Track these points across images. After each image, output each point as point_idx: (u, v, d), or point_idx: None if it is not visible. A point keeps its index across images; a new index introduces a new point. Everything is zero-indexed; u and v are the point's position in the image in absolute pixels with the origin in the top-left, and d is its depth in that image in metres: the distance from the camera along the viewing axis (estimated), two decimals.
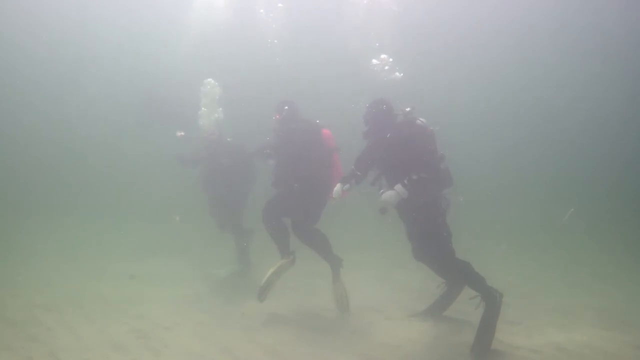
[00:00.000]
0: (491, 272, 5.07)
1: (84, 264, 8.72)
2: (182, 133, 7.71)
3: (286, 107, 6.19)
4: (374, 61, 7.30)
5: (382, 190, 5.00)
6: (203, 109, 7.87)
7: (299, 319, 5.94)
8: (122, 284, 7.55)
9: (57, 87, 16.01)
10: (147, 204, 13.14)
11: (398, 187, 4.81)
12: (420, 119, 5.14)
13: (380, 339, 5.14)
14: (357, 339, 5.16)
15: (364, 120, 5.31)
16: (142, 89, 13.87)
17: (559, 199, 12.86)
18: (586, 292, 7.13)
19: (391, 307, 6.25)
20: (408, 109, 5.14)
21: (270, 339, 5.17)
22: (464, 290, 5.44)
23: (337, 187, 5.09)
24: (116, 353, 4.75)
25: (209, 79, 8.00)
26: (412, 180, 4.78)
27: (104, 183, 14.65)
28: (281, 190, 6.10)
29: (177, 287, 7.33)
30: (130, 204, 13.30)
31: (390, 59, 7.62)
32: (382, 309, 6.16)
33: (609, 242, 10.11)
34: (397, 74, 7.55)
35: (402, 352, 4.77)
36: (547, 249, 10.09)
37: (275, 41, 11.47)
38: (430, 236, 4.97)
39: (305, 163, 5.83)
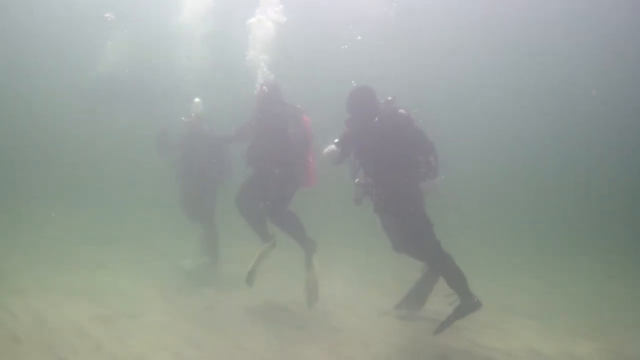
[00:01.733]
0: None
1: (48, 250, 8.52)
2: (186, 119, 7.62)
3: (265, 88, 6.13)
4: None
5: (357, 180, 4.95)
6: (196, 99, 7.82)
7: (267, 312, 5.95)
8: (88, 271, 7.44)
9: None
10: (112, 189, 12.94)
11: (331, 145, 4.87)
12: (402, 109, 4.93)
13: (350, 335, 5.20)
14: (326, 334, 5.19)
15: (347, 107, 5.07)
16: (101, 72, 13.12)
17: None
18: (562, 297, 7.28)
19: (361, 303, 6.30)
20: (390, 98, 5.05)
21: (237, 332, 5.18)
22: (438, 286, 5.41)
23: (329, 148, 4.96)
24: (79, 338, 4.72)
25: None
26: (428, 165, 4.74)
27: (68, 170, 14.25)
28: (256, 172, 6.07)
29: (142, 277, 7.24)
30: (95, 190, 13.05)
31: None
32: (352, 305, 6.22)
33: (588, 250, 10.26)
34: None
35: (371, 350, 4.82)
36: (525, 252, 10.21)
37: None
38: (412, 226, 4.86)
39: (283, 146, 5.79)
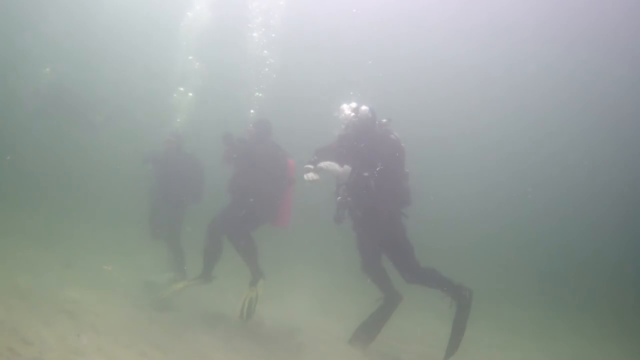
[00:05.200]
0: None
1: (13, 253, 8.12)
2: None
3: (251, 126, 6.43)
4: None
5: (339, 198, 5.00)
6: (178, 120, 8.06)
7: (228, 327, 6.00)
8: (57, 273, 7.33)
9: None
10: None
11: (346, 167, 4.89)
12: (395, 133, 5.13)
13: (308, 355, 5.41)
14: (284, 354, 5.38)
15: (344, 123, 5.19)
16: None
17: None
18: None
19: (322, 329, 6.51)
20: (385, 120, 5.16)
21: (201, 341, 5.31)
22: (423, 291, 5.42)
23: (307, 171, 4.91)
24: (47, 329, 4.75)
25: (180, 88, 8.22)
26: (370, 175, 4.80)
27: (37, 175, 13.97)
28: (234, 199, 6.28)
29: (111, 289, 7.07)
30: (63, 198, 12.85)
31: None
32: (311, 328, 6.43)
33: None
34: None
35: None
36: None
37: None
38: (396, 247, 5.07)
39: (263, 182, 6.04)
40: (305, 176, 4.94)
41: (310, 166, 4.94)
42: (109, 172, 12.77)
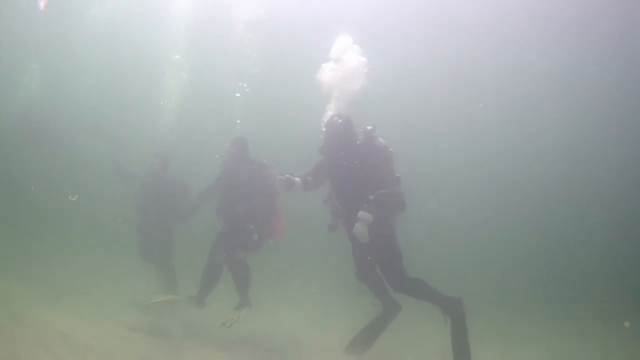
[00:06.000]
0: None
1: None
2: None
3: (231, 147, 6.45)
4: None
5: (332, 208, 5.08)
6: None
7: (231, 343, 6.07)
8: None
9: None
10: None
11: (361, 214, 4.72)
12: (380, 139, 5.08)
13: None
14: None
15: (324, 136, 5.21)
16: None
17: None
18: None
19: (316, 338, 6.55)
20: (369, 127, 5.09)
21: (197, 355, 5.38)
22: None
23: (360, 227, 4.76)
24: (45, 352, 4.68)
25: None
26: (370, 202, 4.72)
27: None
28: (226, 224, 6.37)
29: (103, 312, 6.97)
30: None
31: None
32: (307, 340, 6.47)
33: None
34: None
35: None
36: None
37: None
38: (390, 257, 5.00)
39: (249, 203, 6.14)
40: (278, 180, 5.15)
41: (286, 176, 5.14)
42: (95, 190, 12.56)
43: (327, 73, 5.45)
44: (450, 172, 16.68)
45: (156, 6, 13.85)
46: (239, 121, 6.85)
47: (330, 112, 5.46)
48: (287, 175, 5.15)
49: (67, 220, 12.52)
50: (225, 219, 6.39)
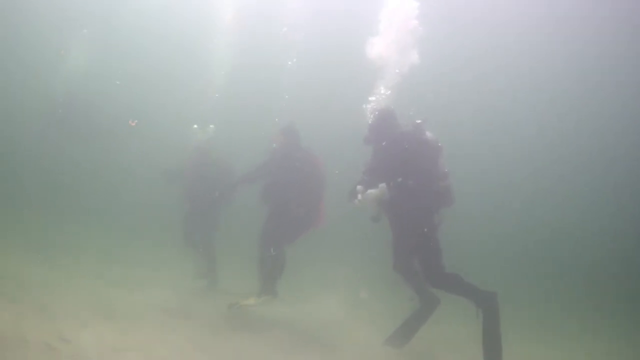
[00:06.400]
0: None
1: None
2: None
3: (280, 132, 6.48)
4: None
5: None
6: (195, 125, 8.15)
7: (270, 329, 6.04)
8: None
9: None
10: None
11: (381, 185, 4.92)
12: (428, 132, 5.10)
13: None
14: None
15: (368, 128, 5.34)
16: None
17: None
18: None
19: (358, 329, 6.49)
20: (419, 121, 5.11)
21: (237, 338, 5.38)
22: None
23: (368, 192, 4.99)
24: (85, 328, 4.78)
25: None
26: (397, 183, 4.86)
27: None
28: (273, 210, 6.36)
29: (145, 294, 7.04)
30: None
31: None
32: (348, 331, 6.41)
33: None
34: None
35: None
36: None
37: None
38: (417, 245, 4.97)
39: (302, 189, 6.14)
40: (355, 202, 5.10)
41: (361, 188, 5.09)
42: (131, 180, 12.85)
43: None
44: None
45: None
46: (277, 119, 6.92)
47: (373, 101, 5.55)
48: (359, 187, 5.11)
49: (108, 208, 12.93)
50: (272, 205, 6.38)
